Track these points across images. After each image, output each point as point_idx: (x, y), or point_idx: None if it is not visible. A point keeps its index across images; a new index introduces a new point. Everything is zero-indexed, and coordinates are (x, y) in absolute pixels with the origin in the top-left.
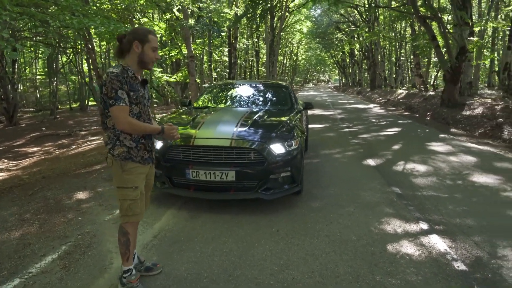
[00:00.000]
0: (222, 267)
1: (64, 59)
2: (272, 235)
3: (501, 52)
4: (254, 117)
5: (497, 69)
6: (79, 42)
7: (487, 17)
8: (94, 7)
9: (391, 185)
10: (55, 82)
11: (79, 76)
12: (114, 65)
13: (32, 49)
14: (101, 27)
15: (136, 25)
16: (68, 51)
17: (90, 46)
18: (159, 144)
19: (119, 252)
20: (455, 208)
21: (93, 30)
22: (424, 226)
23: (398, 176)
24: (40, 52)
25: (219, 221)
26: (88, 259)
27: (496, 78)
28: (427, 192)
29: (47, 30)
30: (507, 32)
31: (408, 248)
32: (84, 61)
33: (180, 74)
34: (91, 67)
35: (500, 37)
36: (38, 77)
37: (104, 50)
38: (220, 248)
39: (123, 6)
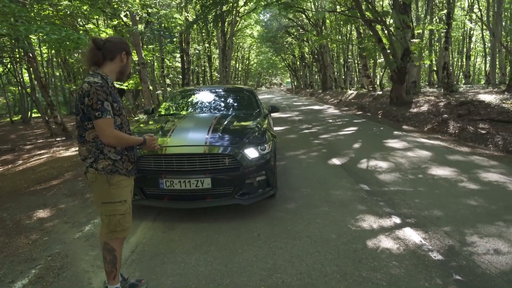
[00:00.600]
0: (210, 277)
1: (1, 69)
2: (254, 240)
3: (437, 52)
4: (225, 123)
5: (435, 68)
6: (17, 50)
7: (425, 20)
8: (33, 13)
9: (359, 182)
10: None
11: (19, 87)
12: (91, 73)
13: None
14: (52, 35)
15: (81, 31)
16: (4, 61)
17: (31, 55)
18: None
19: (105, 270)
20: (422, 201)
21: (34, 38)
22: (397, 220)
23: (364, 174)
24: None
25: (198, 230)
26: (64, 282)
27: (435, 76)
28: (393, 188)
29: None
30: (442, 35)
31: (386, 242)
32: (24, 70)
33: (131, 81)
34: (33, 76)
35: (436, 38)
36: None
37: (45, 58)
38: (203, 257)
39: (68, 12)
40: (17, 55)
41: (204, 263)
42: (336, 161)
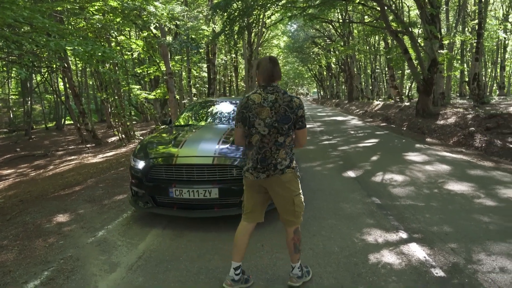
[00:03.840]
0: (209, 285)
1: (39, 78)
2: (257, 250)
3: (470, 63)
4: None
5: (467, 79)
6: (53, 61)
7: (455, 30)
8: (70, 27)
9: (371, 196)
10: (29, 102)
11: (54, 95)
12: (275, 86)
13: (4, 68)
14: (79, 48)
15: (113, 43)
16: (42, 70)
17: (66, 65)
18: (141, 164)
19: (295, 252)
20: (432, 217)
21: (69, 51)
22: (403, 235)
23: (377, 187)
24: (12, 72)
25: (204, 239)
26: (72, 284)
27: (467, 88)
28: (405, 202)
29: (22, 52)
30: (474, 45)
31: (389, 257)
32: (59, 79)
33: (159, 90)
34: (67, 85)
35: (468, 48)
36: (11, 97)
37: (80, 68)
38: (205, 266)
39: (100, 26)
40: (54, 66)
41: (205, 271)
42: (351, 173)
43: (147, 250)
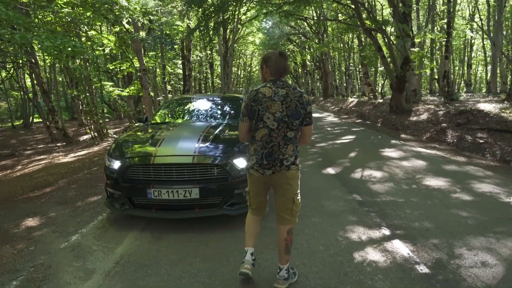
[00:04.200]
0: None
1: (4, 74)
2: (241, 252)
3: (439, 61)
4: (215, 132)
5: (436, 76)
6: (19, 55)
7: (425, 29)
8: (36, 20)
9: (352, 192)
10: None
11: (21, 92)
12: (284, 82)
13: None
14: (46, 42)
15: (83, 38)
16: (8, 66)
17: (33, 61)
18: (116, 164)
19: (283, 257)
20: (413, 212)
21: (36, 45)
22: (386, 232)
23: (358, 183)
24: None
25: (185, 241)
26: None
27: (436, 85)
28: (385, 198)
29: None
30: (443, 43)
31: (374, 255)
32: (27, 75)
33: (132, 87)
34: (35, 82)
35: (437, 47)
36: None
37: (49, 64)
38: (187, 269)
39: (69, 19)
40: (20, 61)
41: (187, 275)
42: (331, 170)
43: (125, 255)
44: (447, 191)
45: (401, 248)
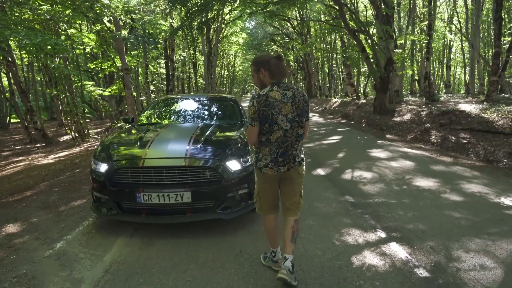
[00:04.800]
0: None
1: None
2: (236, 257)
3: (419, 62)
4: (206, 133)
5: (417, 78)
6: None
7: (407, 31)
8: (13, 17)
9: (343, 194)
10: None
11: None
12: (286, 83)
13: None
14: (26, 40)
15: (62, 36)
16: None
17: (10, 59)
18: (103, 167)
19: (290, 246)
20: (406, 214)
21: (12, 42)
22: (382, 234)
23: (349, 184)
24: None
25: (177, 247)
26: None
27: (417, 86)
28: (378, 199)
29: None
30: (424, 45)
31: (372, 259)
32: (3, 74)
33: (114, 87)
34: (12, 81)
35: (417, 48)
36: None
37: (26, 62)
38: (181, 277)
39: (48, 17)
40: None
41: (182, 284)
42: (320, 171)
43: (114, 262)
44: (438, 191)
45: (398, 251)
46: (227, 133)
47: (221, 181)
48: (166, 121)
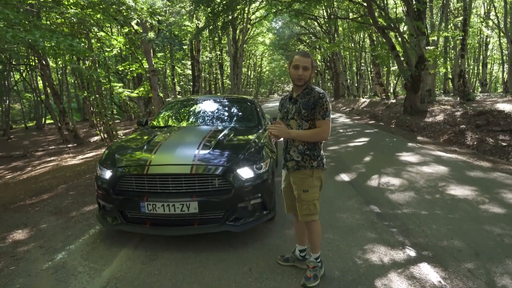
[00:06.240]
0: None
1: (17, 76)
2: (244, 276)
3: (453, 60)
4: (219, 137)
5: (450, 76)
6: (32, 58)
7: (440, 27)
8: (47, 22)
9: (369, 203)
10: (7, 101)
11: (34, 94)
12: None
13: None
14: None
15: (92, 40)
16: (21, 68)
17: (44, 62)
18: (107, 174)
19: (315, 244)
20: (440, 228)
21: (46, 45)
22: (411, 252)
23: (375, 192)
24: None
25: (181, 262)
26: None
27: (450, 85)
28: (407, 210)
29: None
30: (458, 42)
31: (399, 283)
32: (39, 77)
33: (142, 88)
34: (46, 84)
35: (451, 46)
36: None
37: (60, 65)
38: None
39: (75, 20)
40: (32, 63)
41: None
42: (344, 177)
43: (113, 279)
44: (475, 202)
45: (430, 274)
46: (242, 137)
47: (232, 190)
48: (179, 124)
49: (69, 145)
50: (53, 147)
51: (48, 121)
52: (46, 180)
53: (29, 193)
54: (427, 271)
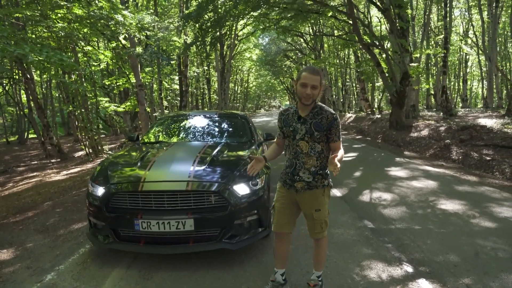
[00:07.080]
0: None
1: (0, 90)
2: None
3: (435, 76)
4: (213, 153)
5: (432, 92)
6: (16, 71)
7: (422, 45)
8: (33, 35)
9: (362, 218)
10: None
11: (17, 108)
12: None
13: None
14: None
15: (79, 54)
16: (4, 81)
17: (29, 76)
18: (100, 191)
19: (322, 260)
20: (434, 243)
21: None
22: (408, 268)
23: (367, 208)
24: None
25: (177, 281)
26: None
27: (433, 100)
28: (400, 225)
29: None
30: (439, 59)
31: None
32: (22, 91)
33: (128, 103)
34: (30, 97)
35: (433, 63)
36: None
37: (45, 79)
38: None
39: (62, 34)
40: (16, 76)
41: None
42: (336, 192)
43: None
44: (466, 216)
45: None
46: (236, 153)
47: (228, 207)
48: (171, 139)
49: (53, 160)
50: (36, 162)
51: (31, 136)
52: (30, 197)
53: (12, 210)
54: (426, 287)
